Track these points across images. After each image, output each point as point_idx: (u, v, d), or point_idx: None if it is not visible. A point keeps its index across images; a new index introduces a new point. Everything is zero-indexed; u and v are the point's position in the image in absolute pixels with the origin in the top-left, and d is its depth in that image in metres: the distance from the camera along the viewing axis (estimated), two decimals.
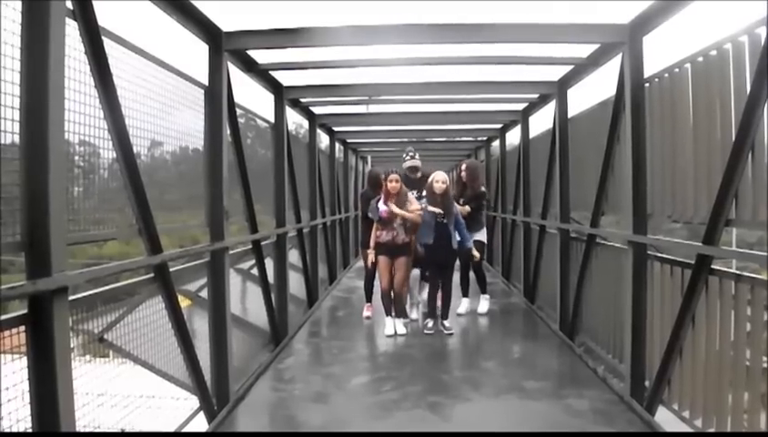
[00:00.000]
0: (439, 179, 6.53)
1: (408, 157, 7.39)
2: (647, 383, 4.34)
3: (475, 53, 5.69)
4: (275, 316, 6.25)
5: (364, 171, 15.72)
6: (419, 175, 7.24)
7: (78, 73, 2.87)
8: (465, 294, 7.56)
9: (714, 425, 3.49)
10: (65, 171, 2.63)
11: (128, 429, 3.53)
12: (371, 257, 6.76)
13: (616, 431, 3.93)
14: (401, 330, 6.50)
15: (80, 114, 2.89)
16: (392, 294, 6.58)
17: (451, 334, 6.47)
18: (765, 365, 3.09)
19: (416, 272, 7.01)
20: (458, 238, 6.55)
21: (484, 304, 7.43)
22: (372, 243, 6.68)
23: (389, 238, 6.48)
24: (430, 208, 6.42)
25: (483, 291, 7.52)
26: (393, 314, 6.57)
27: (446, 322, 6.61)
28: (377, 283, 7.25)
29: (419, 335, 6.53)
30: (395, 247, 6.50)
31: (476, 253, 6.97)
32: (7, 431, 2.30)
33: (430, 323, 6.61)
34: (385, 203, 6.42)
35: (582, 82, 6.39)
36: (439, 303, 6.72)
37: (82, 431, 2.83)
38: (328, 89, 7.24)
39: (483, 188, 7.66)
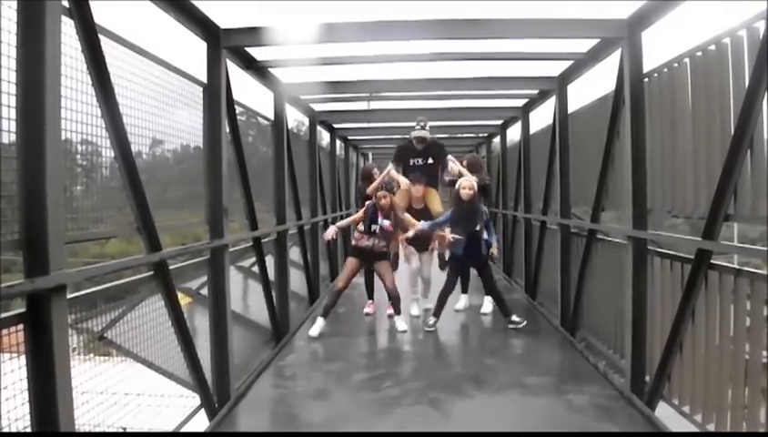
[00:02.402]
0: (466, 186, 6.35)
1: (417, 127, 7.17)
2: (647, 379, 4.34)
3: (475, 49, 5.69)
4: (276, 313, 6.26)
5: None
6: (425, 144, 7.19)
7: (75, 71, 2.87)
8: (464, 290, 7.55)
9: (714, 420, 3.49)
10: (62, 169, 2.63)
11: (130, 427, 3.54)
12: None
13: (619, 431, 3.90)
14: (402, 327, 6.49)
15: (77, 112, 2.89)
16: (390, 297, 6.55)
17: (525, 324, 6.50)
18: (765, 360, 3.08)
19: (413, 268, 6.99)
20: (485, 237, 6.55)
21: (488, 305, 7.39)
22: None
23: (369, 245, 6.39)
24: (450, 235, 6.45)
25: (487, 293, 7.47)
26: (394, 313, 6.58)
27: (514, 317, 6.58)
28: (378, 281, 7.27)
29: (420, 332, 6.53)
30: (372, 254, 6.43)
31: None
32: (5, 430, 2.31)
33: (432, 321, 6.57)
34: (386, 217, 6.37)
35: (582, 77, 6.37)
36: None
37: (81, 430, 2.83)
38: (328, 86, 7.23)
39: (488, 180, 7.65)
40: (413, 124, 7.12)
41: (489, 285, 6.72)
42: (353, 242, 6.56)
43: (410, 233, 6.44)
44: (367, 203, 6.64)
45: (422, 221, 6.52)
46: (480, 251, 6.50)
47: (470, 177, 6.64)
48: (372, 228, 6.36)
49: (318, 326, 6.39)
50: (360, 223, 6.50)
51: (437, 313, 6.61)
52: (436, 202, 7.08)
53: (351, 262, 6.51)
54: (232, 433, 4.13)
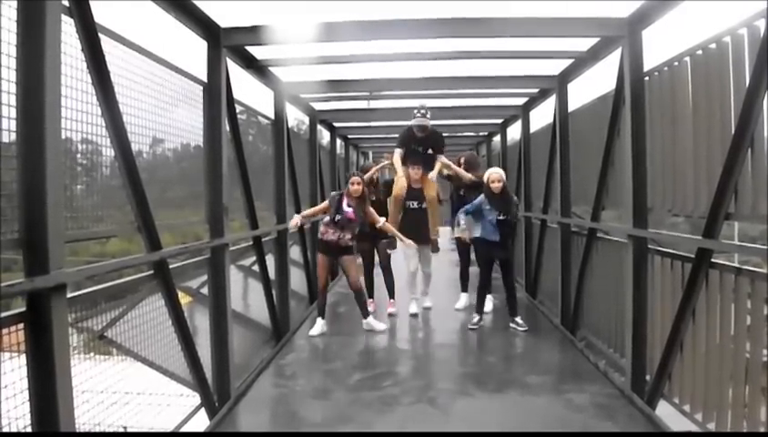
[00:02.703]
0: (495, 179, 6.23)
1: (419, 115, 6.99)
2: (648, 377, 4.34)
3: (475, 48, 5.69)
4: (276, 312, 6.26)
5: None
6: (425, 133, 7.07)
7: (75, 70, 2.86)
8: (464, 289, 7.54)
9: (715, 419, 3.49)
10: (62, 168, 2.63)
11: (130, 427, 3.54)
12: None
13: (620, 431, 3.90)
14: (380, 327, 6.47)
15: (77, 111, 2.89)
16: (361, 294, 6.53)
17: (526, 330, 6.36)
18: (765, 359, 3.08)
19: (412, 268, 6.99)
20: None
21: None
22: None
23: (334, 239, 6.28)
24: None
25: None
26: (366, 315, 6.53)
27: (518, 319, 6.48)
28: (377, 280, 7.28)
29: (420, 331, 6.53)
30: (338, 248, 6.32)
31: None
32: (5, 430, 2.31)
33: (476, 318, 6.51)
34: (348, 205, 6.30)
35: (583, 76, 6.37)
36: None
37: (81, 430, 2.83)
38: (328, 85, 7.23)
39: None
40: (414, 111, 6.97)
41: (507, 277, 6.59)
42: (319, 236, 6.49)
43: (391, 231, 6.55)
44: (332, 194, 6.65)
45: (459, 212, 6.55)
46: (508, 239, 6.48)
47: (498, 169, 6.58)
48: (336, 218, 6.28)
49: (318, 326, 6.41)
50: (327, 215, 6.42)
51: (479, 310, 6.55)
52: (432, 187, 7.07)
53: (320, 258, 6.45)
54: (232, 433, 4.12)
